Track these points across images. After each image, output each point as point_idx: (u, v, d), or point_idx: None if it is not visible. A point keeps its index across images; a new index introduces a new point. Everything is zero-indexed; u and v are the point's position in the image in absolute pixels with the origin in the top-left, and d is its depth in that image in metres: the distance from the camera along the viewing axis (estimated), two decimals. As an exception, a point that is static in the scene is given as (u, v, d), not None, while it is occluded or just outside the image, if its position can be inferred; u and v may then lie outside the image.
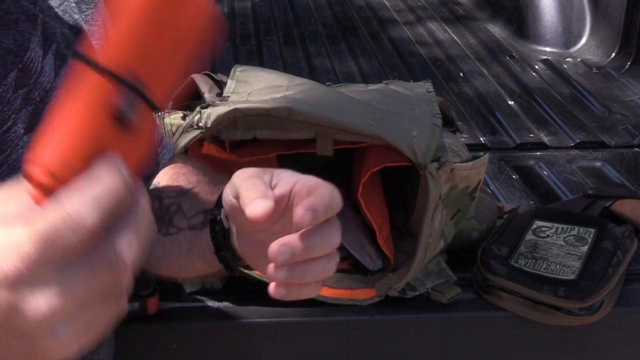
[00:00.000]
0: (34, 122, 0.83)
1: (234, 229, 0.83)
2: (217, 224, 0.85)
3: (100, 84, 0.51)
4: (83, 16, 0.92)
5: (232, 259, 0.87)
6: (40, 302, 0.49)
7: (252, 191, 0.69)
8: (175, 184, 0.97)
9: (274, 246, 0.67)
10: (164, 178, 1.00)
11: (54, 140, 0.51)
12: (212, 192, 0.89)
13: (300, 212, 0.66)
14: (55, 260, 0.49)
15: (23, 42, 0.83)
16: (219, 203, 0.85)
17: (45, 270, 0.49)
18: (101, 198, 0.50)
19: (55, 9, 0.89)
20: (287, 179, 0.72)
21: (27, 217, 0.50)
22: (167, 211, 0.93)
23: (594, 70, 2.63)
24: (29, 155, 0.52)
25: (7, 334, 0.51)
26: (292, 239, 0.67)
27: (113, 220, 0.51)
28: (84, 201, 0.50)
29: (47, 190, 0.51)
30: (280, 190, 0.72)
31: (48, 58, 0.85)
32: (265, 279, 1.34)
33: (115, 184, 0.51)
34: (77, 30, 0.90)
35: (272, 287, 0.69)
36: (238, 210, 0.72)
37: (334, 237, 0.69)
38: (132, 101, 0.51)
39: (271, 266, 0.68)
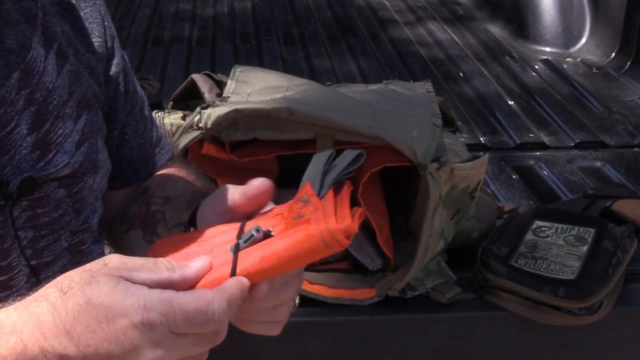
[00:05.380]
0: (36, 123, 0.82)
1: None
2: None
3: None
4: (83, 14, 0.91)
5: None
6: (155, 352, 0.62)
7: None
8: (164, 190, 0.96)
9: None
10: (156, 181, 1.00)
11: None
12: (191, 205, 0.90)
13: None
14: (181, 330, 0.62)
15: (25, 42, 0.82)
16: (191, 220, 0.86)
17: (170, 332, 0.62)
18: (234, 304, 0.65)
19: (56, 7, 0.89)
20: None
21: (171, 269, 0.65)
22: (152, 218, 0.93)
23: (594, 70, 2.63)
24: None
25: None
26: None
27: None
28: (224, 304, 0.63)
29: None
30: None
31: (50, 57, 0.85)
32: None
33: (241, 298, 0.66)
34: (78, 28, 0.90)
35: None
36: None
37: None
38: None
39: None
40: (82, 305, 0.62)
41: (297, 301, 0.80)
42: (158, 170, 1.01)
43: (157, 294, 0.62)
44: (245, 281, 0.66)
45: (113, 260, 0.65)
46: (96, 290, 0.62)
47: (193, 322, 0.62)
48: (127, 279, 0.63)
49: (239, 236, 0.69)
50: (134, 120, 0.98)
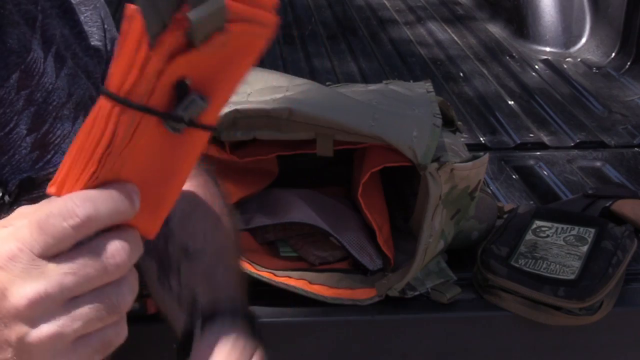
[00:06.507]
0: (36, 124, 0.83)
1: None
2: None
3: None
4: (83, 17, 0.92)
5: None
6: (27, 286, 0.51)
7: None
8: (184, 232, 0.93)
9: None
10: (178, 211, 0.98)
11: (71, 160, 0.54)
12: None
13: None
14: (46, 246, 0.51)
15: (26, 43, 0.83)
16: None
17: (36, 257, 0.51)
18: (98, 201, 0.52)
19: (56, 10, 0.89)
20: None
21: (32, 211, 0.53)
22: (168, 262, 0.92)
23: (594, 70, 2.63)
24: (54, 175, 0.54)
25: None
26: None
27: (107, 225, 0.52)
28: (81, 198, 0.52)
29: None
30: None
31: (49, 60, 0.85)
32: (265, 279, 1.34)
33: (119, 201, 0.52)
34: (77, 32, 0.91)
35: None
36: None
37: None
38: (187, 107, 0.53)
39: None
40: None
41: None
42: None
43: (15, 226, 0.52)
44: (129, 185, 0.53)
45: (19, 209, 0.56)
46: None
47: (48, 230, 0.50)
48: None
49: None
50: None
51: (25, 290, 0.51)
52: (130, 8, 0.49)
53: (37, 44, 0.84)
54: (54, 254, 0.51)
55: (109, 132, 0.51)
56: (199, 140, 0.55)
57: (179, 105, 0.52)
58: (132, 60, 0.50)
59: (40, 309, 0.51)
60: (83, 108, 0.89)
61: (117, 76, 0.50)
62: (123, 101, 0.50)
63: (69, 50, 0.88)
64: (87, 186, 0.53)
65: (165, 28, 0.49)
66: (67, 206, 0.51)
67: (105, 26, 0.94)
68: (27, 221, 0.52)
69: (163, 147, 0.53)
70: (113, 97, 0.50)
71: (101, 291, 0.52)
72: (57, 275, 0.51)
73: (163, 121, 0.52)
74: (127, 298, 0.53)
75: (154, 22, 0.49)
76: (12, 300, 0.51)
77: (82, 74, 0.89)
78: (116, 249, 0.52)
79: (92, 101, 0.90)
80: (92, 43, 0.92)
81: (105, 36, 0.93)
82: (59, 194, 0.54)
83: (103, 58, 0.93)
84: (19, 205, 0.82)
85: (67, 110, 0.86)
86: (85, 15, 0.92)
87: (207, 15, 0.49)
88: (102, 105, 0.51)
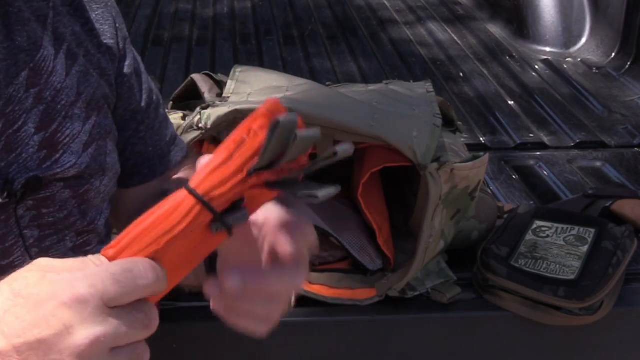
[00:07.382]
0: (44, 122, 0.83)
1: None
2: None
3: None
4: (94, 15, 0.92)
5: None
6: (90, 329, 0.56)
7: None
8: None
9: (231, 273, 0.68)
10: (174, 185, 1.00)
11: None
12: None
13: (229, 281, 0.68)
14: (116, 297, 0.57)
15: (36, 41, 0.83)
16: None
17: (104, 304, 0.56)
18: (158, 270, 0.59)
19: (67, 7, 0.89)
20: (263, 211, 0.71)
21: (98, 263, 0.59)
22: None
23: (594, 70, 2.63)
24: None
25: (48, 354, 0.56)
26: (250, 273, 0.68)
27: (152, 295, 0.60)
28: (149, 265, 0.59)
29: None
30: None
31: (59, 57, 0.85)
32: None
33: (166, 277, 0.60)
34: (88, 29, 0.91)
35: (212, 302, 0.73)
36: None
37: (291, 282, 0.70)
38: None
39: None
40: (10, 299, 0.57)
41: (292, 303, 0.76)
42: (174, 167, 1.03)
43: (84, 272, 0.58)
44: None
45: (41, 260, 0.61)
46: (23, 283, 0.58)
47: (122, 282, 0.57)
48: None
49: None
50: (149, 118, 0.99)
51: (88, 331, 0.55)
52: (257, 122, 0.57)
53: (49, 42, 0.84)
54: (116, 305, 0.57)
55: (183, 225, 0.59)
56: (220, 239, 0.62)
57: (232, 215, 0.60)
58: (228, 177, 0.58)
59: (95, 351, 0.56)
60: (95, 107, 0.89)
61: (209, 183, 0.58)
62: (207, 205, 0.58)
63: (81, 48, 0.88)
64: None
65: (271, 165, 0.58)
66: (139, 267, 0.58)
67: (117, 24, 0.94)
68: (98, 270, 0.58)
69: (199, 241, 0.61)
70: (202, 200, 0.58)
71: (135, 346, 0.58)
72: (116, 325, 0.56)
73: (212, 222, 0.60)
74: (146, 356, 0.60)
75: (270, 154, 0.57)
76: (75, 338, 0.55)
77: (95, 71, 0.89)
78: (156, 316, 0.59)
79: (105, 99, 0.90)
80: (105, 41, 0.92)
81: (117, 34, 0.94)
82: (114, 259, 0.60)
83: (116, 56, 0.93)
84: (25, 205, 0.82)
85: (78, 110, 0.86)
86: (97, 12, 0.92)
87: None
88: (186, 200, 0.59)
